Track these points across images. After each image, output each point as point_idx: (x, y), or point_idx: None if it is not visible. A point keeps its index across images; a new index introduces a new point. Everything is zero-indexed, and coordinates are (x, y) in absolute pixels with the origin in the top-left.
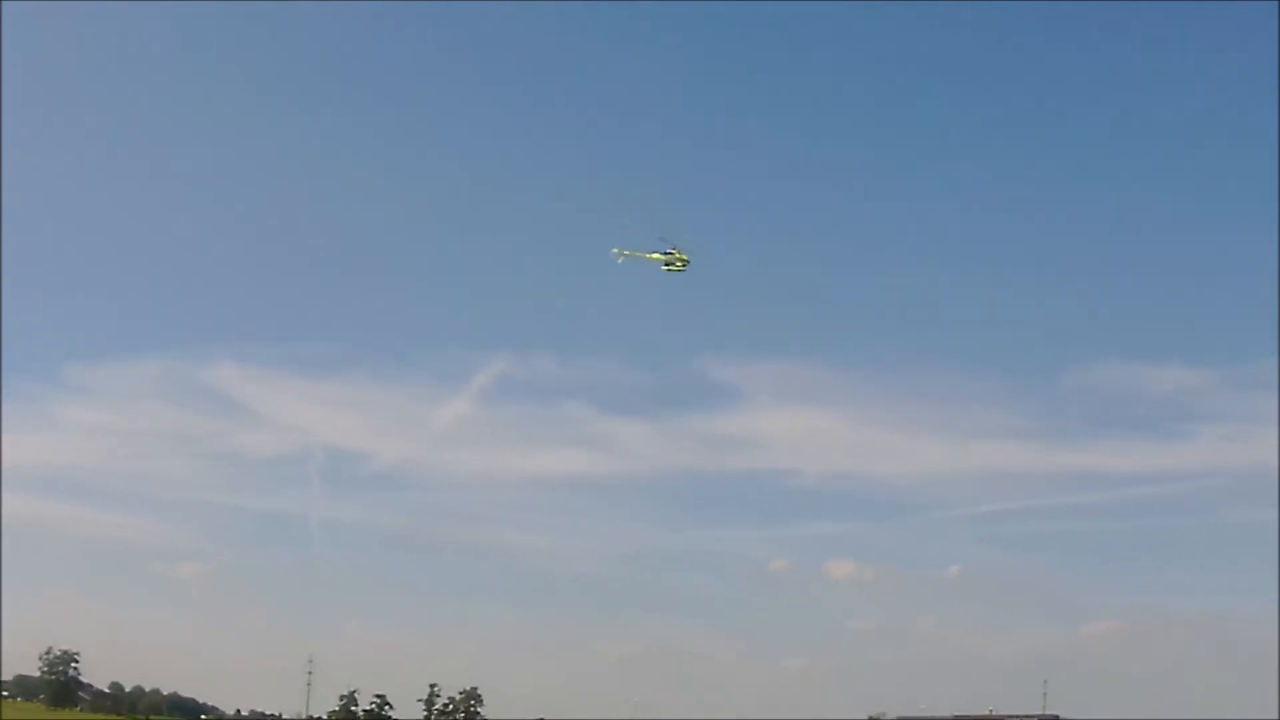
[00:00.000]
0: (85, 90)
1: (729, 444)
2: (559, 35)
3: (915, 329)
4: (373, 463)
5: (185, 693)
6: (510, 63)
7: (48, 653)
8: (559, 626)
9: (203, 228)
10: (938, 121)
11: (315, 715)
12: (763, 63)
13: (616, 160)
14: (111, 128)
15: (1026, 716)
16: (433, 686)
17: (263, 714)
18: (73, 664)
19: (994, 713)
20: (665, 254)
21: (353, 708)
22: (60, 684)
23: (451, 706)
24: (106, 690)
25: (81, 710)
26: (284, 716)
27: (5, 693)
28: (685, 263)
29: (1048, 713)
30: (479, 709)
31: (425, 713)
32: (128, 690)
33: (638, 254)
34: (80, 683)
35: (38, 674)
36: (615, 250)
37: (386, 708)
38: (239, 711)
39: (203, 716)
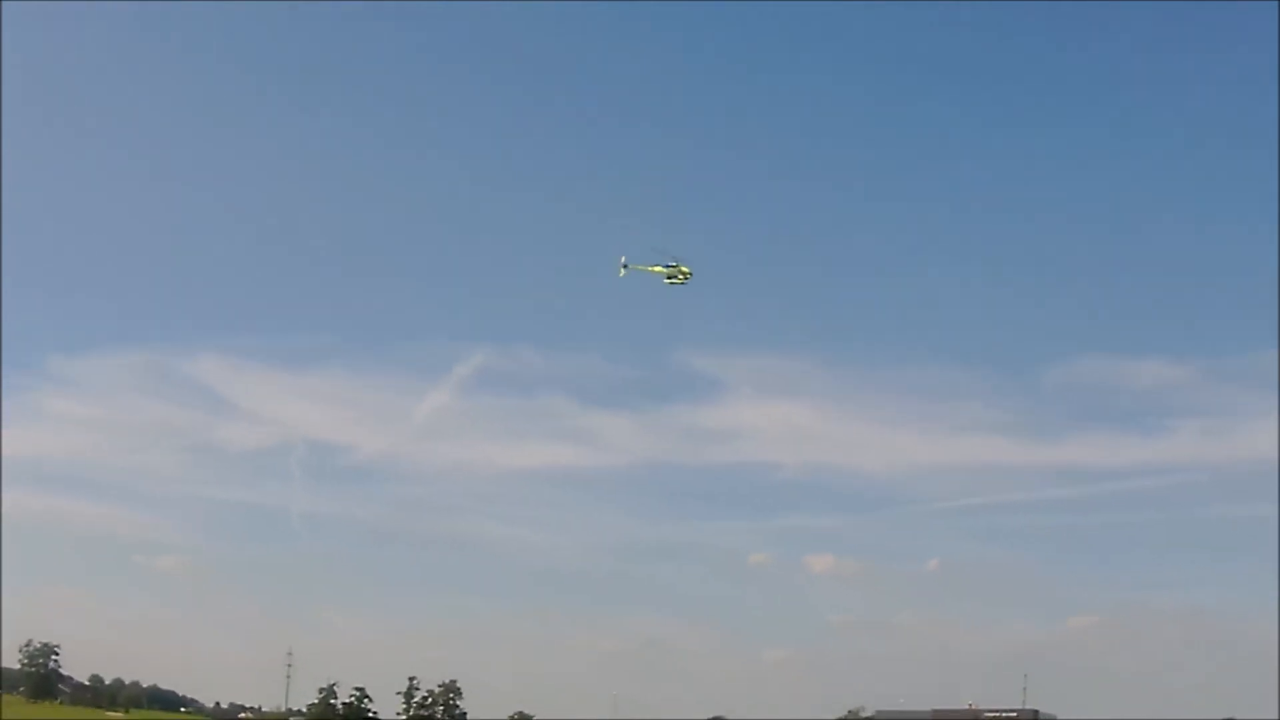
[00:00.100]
0: (79, 89)
1: (710, 437)
2: (559, 35)
3: (897, 323)
4: (353, 455)
5: (165, 685)
6: (510, 63)
7: (27, 645)
8: (539, 619)
9: (186, 222)
10: (935, 121)
11: (294, 708)
12: (763, 63)
13: (615, 160)
14: (101, 124)
15: (1007, 711)
16: (412, 679)
17: (242, 706)
18: (53, 656)
19: (974, 707)
20: (668, 267)
21: (332, 701)
22: (40, 676)
23: (431, 700)
24: (86, 683)
25: (61, 703)
26: (263, 709)
27: None
28: (688, 275)
29: (1028, 707)
30: (458, 702)
31: (404, 706)
32: (108, 683)
33: (640, 267)
34: (60, 675)
35: (17, 666)
36: (619, 264)
37: (365, 701)
38: (218, 704)
39: (182, 709)
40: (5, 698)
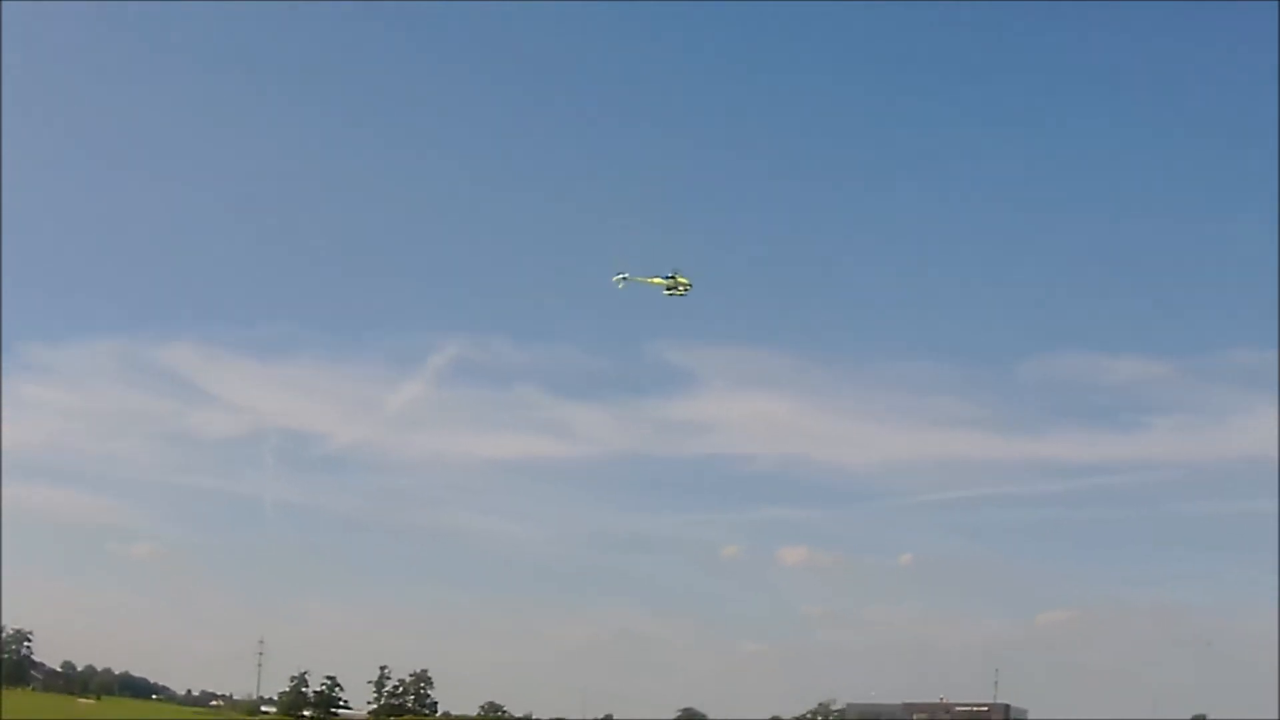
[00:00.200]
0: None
1: (684, 429)
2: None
3: (873, 317)
4: (327, 444)
5: (137, 673)
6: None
7: None
8: (511, 610)
9: (161, 210)
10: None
11: (266, 696)
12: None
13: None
14: (82, 117)
15: (978, 705)
16: (383, 669)
17: (213, 694)
18: (25, 643)
19: (945, 701)
20: (667, 278)
21: (303, 689)
22: (12, 663)
23: (402, 689)
24: (59, 669)
25: (33, 689)
26: (234, 697)
27: None
28: (688, 287)
29: (999, 701)
30: (429, 692)
31: (375, 695)
32: (80, 670)
33: (639, 279)
34: (33, 661)
35: None
36: (616, 276)
37: (336, 689)
38: (190, 691)
39: (154, 697)
40: None
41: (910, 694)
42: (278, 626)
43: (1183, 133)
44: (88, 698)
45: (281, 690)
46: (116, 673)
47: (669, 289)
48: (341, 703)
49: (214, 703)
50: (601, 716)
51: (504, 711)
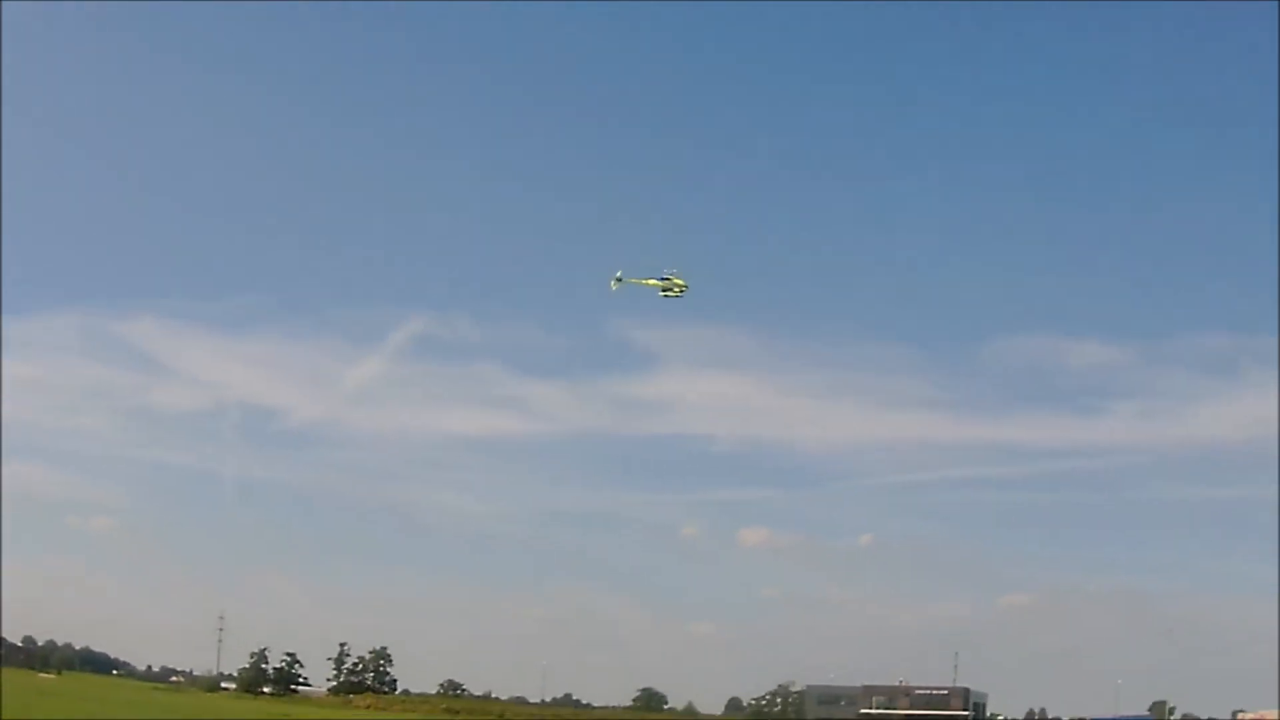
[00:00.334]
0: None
1: (644, 408)
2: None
3: (835, 298)
4: (287, 419)
5: (97, 648)
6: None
7: None
8: (470, 588)
9: (122, 183)
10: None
11: (225, 672)
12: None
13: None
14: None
15: (937, 688)
16: (343, 645)
17: (174, 670)
18: None
19: (904, 684)
20: (663, 279)
21: (263, 665)
22: None
23: (361, 666)
24: (19, 644)
25: None
26: (194, 673)
27: None
28: (684, 288)
29: (959, 685)
30: (388, 669)
31: (335, 671)
32: (40, 644)
33: (634, 280)
34: None
35: None
36: (613, 278)
37: (296, 666)
38: (150, 667)
39: (114, 672)
40: None
41: (870, 676)
42: (237, 602)
43: (1146, 118)
44: (48, 672)
45: (241, 666)
46: (77, 648)
47: (665, 290)
48: (301, 679)
49: (174, 678)
50: (560, 695)
51: (463, 689)
